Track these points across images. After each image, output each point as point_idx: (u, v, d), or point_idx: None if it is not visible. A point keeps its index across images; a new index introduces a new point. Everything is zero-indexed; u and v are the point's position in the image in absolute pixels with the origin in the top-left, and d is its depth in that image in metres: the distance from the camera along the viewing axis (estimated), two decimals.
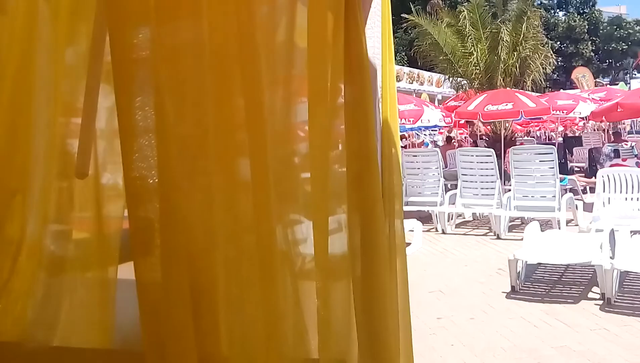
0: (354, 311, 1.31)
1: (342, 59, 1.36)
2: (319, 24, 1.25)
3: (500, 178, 9.51)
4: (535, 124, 22.72)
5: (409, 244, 8.00)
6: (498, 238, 8.66)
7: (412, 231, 8.23)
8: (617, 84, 34.29)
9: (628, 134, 22.65)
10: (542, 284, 6.11)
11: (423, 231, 8.73)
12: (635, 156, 13.46)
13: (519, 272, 5.92)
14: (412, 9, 15.19)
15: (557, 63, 48.25)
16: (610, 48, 61.35)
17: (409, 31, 16.41)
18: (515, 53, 13.83)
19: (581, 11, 63.87)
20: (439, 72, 16.37)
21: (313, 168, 1.25)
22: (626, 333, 4.67)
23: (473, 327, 5.00)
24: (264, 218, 1.09)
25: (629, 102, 11.09)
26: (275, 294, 1.10)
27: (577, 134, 21.05)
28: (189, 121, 1.12)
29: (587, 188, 11.20)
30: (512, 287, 5.82)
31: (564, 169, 12.23)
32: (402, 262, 1.64)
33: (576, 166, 15.59)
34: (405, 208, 9.54)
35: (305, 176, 1.33)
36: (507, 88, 13.48)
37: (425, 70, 28.74)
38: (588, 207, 8.74)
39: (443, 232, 9.28)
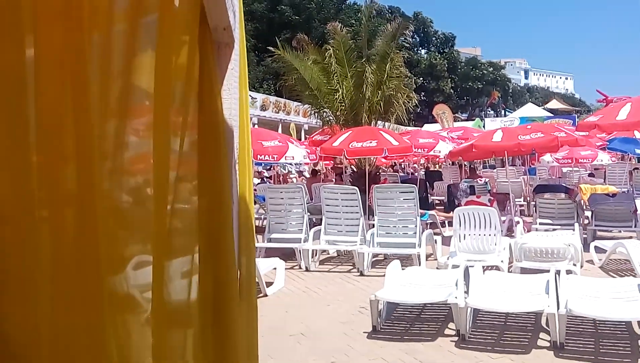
0: None
1: (195, 116, 1.36)
2: (167, 69, 1.21)
3: (365, 214, 9.82)
4: (400, 157, 23.85)
5: (271, 283, 7.97)
6: (361, 274, 8.77)
7: (275, 269, 8.23)
8: (474, 120, 36.91)
9: (483, 169, 24.52)
10: (402, 322, 6.32)
11: (286, 268, 8.74)
12: (489, 191, 14.53)
13: (380, 311, 6.10)
14: (278, 43, 15.28)
15: (421, 98, 51.18)
16: (467, 86, 66.42)
17: (277, 62, 16.54)
18: (379, 91, 14.34)
19: (441, 50, 68.59)
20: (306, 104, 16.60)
21: (155, 204, 1.20)
22: None
23: None
24: (95, 258, 0.99)
25: (482, 144, 12.05)
26: (109, 346, 1.01)
27: (437, 168, 22.41)
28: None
29: (446, 221, 11.91)
30: (374, 327, 5.96)
31: (425, 203, 12.91)
32: (249, 308, 1.63)
33: (437, 200, 16.54)
34: (268, 245, 9.57)
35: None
36: (372, 124, 14.08)
37: (292, 100, 28.88)
38: (447, 241, 9.30)
39: (307, 269, 9.20)
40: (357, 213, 9.53)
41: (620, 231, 11.23)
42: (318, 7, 49.20)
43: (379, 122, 14.84)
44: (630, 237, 10.42)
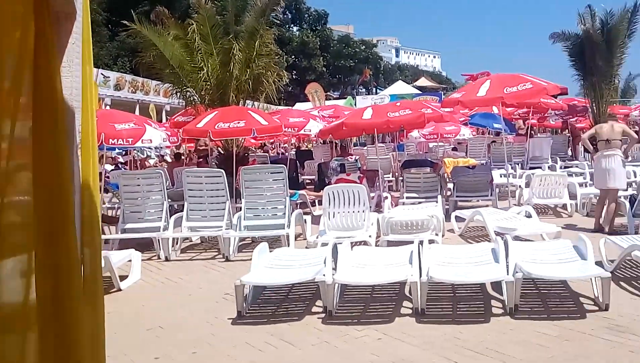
0: None
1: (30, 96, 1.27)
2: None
3: (232, 197, 9.69)
4: (270, 137, 23.89)
5: (126, 277, 7.59)
6: (227, 260, 8.59)
7: (130, 261, 7.84)
8: (346, 98, 37.66)
9: (354, 147, 25.17)
10: (269, 304, 6.33)
11: (143, 260, 8.30)
12: (359, 169, 14.98)
13: (246, 296, 6.05)
14: (134, 16, 14.40)
15: (292, 76, 51.35)
16: (340, 64, 67.56)
17: (133, 37, 15.58)
18: (248, 70, 14.02)
19: (314, 28, 69.08)
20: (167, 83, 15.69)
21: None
22: (344, 343, 5.13)
23: (194, 362, 4.97)
24: None
25: (352, 122, 12.33)
26: None
27: (309, 148, 22.70)
28: None
29: (316, 201, 12.16)
30: (239, 312, 5.89)
31: (295, 183, 13.08)
32: (93, 312, 1.56)
33: (307, 179, 16.80)
34: (123, 236, 9.16)
35: None
36: (240, 104, 13.78)
37: (152, 79, 26.94)
38: (317, 220, 9.43)
39: (167, 259, 8.82)
40: (223, 196, 9.38)
41: (478, 201, 12.05)
42: None
43: (247, 101, 14.47)
44: (487, 205, 11.21)
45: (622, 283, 6.47)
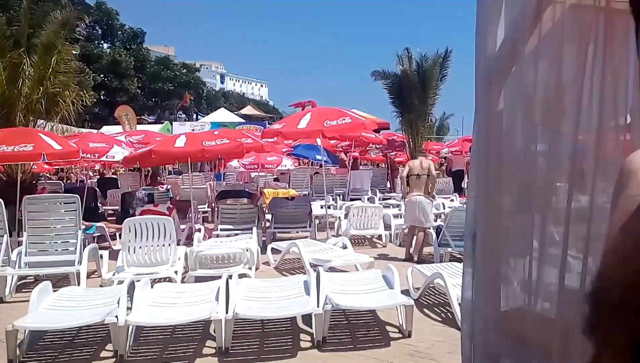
0: None
1: None
2: None
3: (15, 230, 9.14)
4: (66, 163, 22.56)
5: None
6: (2, 301, 7.98)
7: None
8: (162, 123, 36.87)
9: (168, 175, 24.75)
10: (50, 351, 5.93)
11: None
12: (170, 199, 14.69)
13: (22, 341, 5.65)
14: None
15: (101, 97, 49.34)
16: (157, 87, 66.28)
17: None
18: (41, 88, 13.23)
19: (128, 47, 67.21)
20: None
21: None
22: None
23: None
24: None
25: (163, 150, 12.12)
26: None
27: (118, 172, 21.87)
28: None
29: (117, 234, 11.61)
30: (10, 361, 5.42)
31: (94, 214, 12.52)
32: None
33: (110, 210, 16.10)
34: None
35: None
36: (30, 126, 12.90)
37: None
38: (116, 254, 8.98)
39: None
40: (0, 229, 8.76)
41: (297, 232, 12.42)
42: None
43: (39, 122, 13.59)
44: (306, 237, 11.65)
45: (425, 310, 7.09)
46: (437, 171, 21.67)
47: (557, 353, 2.50)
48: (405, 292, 6.87)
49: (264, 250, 10.42)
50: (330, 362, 5.47)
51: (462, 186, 18.92)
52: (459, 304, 5.94)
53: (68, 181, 21.76)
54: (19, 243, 8.99)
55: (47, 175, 19.51)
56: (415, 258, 10.09)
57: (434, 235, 10.12)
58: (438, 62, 22.52)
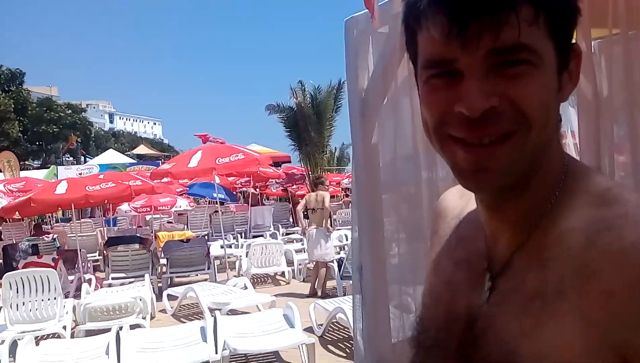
0: None
1: None
2: None
3: None
4: None
5: None
6: None
7: None
8: (49, 168, 35.64)
9: (55, 224, 23.85)
10: None
11: None
12: (57, 249, 14.16)
13: None
14: None
15: None
16: (41, 130, 64.04)
17: None
18: None
19: (7, 88, 64.78)
20: None
21: None
22: None
23: None
24: None
25: (43, 198, 11.74)
26: None
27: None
28: None
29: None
30: None
31: None
32: None
33: None
34: None
35: None
36: None
37: None
38: None
39: None
40: None
41: (197, 274, 12.22)
42: None
43: None
44: (206, 279, 11.45)
45: (329, 346, 7.15)
46: (341, 202, 22.09)
47: None
48: (309, 329, 6.92)
49: (159, 297, 10.22)
50: None
51: None
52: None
53: None
54: None
55: None
56: (319, 293, 10.16)
57: (336, 268, 10.14)
58: (332, 93, 22.94)
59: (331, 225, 11.29)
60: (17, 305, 8.04)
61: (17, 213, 13.46)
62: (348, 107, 3.06)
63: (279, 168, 22.35)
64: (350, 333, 6.78)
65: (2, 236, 17.90)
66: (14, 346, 6.10)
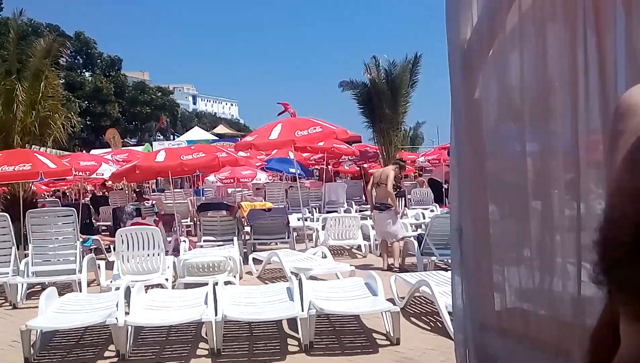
0: None
1: None
2: None
3: (20, 243, 9.19)
4: (63, 183, 22.56)
5: None
6: (14, 307, 8.18)
7: None
8: (143, 145, 36.74)
9: (152, 193, 24.65)
10: (59, 351, 6.04)
11: None
12: (156, 213, 14.71)
13: (34, 342, 5.75)
14: None
15: (87, 122, 48.94)
16: (136, 111, 65.80)
17: None
18: (34, 112, 13.42)
19: (107, 73, 66.71)
20: None
21: None
22: None
23: None
24: None
25: (145, 165, 12.15)
26: None
27: (105, 193, 21.78)
28: None
29: (112, 246, 11.67)
30: (26, 359, 5.58)
31: (89, 228, 12.50)
32: None
33: (103, 225, 16.08)
34: None
35: None
36: (26, 148, 13.06)
37: None
38: (111, 265, 9.13)
39: None
40: (8, 241, 8.85)
41: (276, 243, 12.23)
42: None
43: (34, 146, 13.76)
44: (285, 248, 11.25)
45: (412, 318, 6.72)
46: (415, 181, 20.76)
47: (554, 349, 2.32)
48: (390, 300, 6.53)
49: (245, 260, 10.26)
50: None
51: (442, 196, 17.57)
52: (449, 312, 5.71)
53: (64, 200, 21.61)
54: (25, 256, 9.14)
55: (44, 195, 19.45)
56: (396, 267, 9.69)
57: (416, 244, 9.49)
58: (407, 68, 21.01)
59: (405, 205, 10.67)
60: (128, 257, 8.45)
61: (123, 179, 14.07)
62: (448, 62, 2.69)
63: (351, 146, 20.60)
64: (433, 307, 6.46)
65: (109, 202, 18.74)
66: (127, 292, 6.40)
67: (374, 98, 20.83)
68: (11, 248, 8.82)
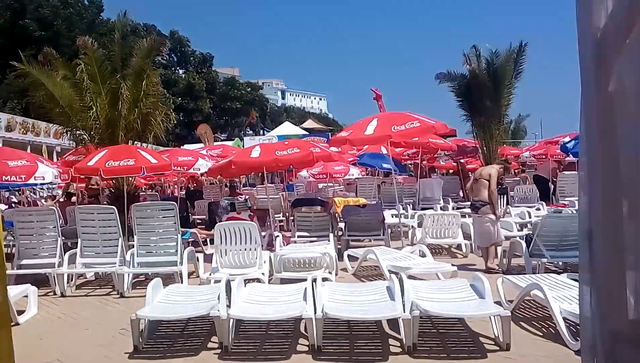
0: None
1: None
2: None
3: (125, 235, 9.66)
4: (159, 178, 23.58)
5: (22, 311, 7.57)
6: (122, 296, 8.68)
7: (26, 296, 7.80)
8: (234, 140, 37.71)
9: (243, 187, 25.23)
10: (165, 340, 6.31)
11: (39, 295, 8.31)
12: (249, 208, 15.05)
13: (142, 330, 6.05)
14: (22, 56, 14.39)
15: (180, 118, 50.90)
16: (226, 106, 67.79)
17: (22, 78, 15.38)
18: (136, 109, 14.17)
19: (200, 70, 69.09)
20: (57, 124, 15.72)
21: None
22: None
23: None
24: None
25: (241, 160, 12.45)
26: None
27: (199, 188, 22.53)
28: None
29: (208, 239, 12.10)
30: (135, 347, 5.90)
31: (186, 222, 12.95)
32: (6, 334, 1.59)
33: (198, 219, 16.68)
34: (19, 272, 9.04)
35: None
36: (129, 143, 13.80)
37: (42, 120, 27.97)
38: (209, 258, 9.50)
39: (62, 295, 8.88)
40: (115, 233, 9.37)
41: (370, 240, 12.11)
42: (67, 23, 46.39)
43: (136, 143, 14.57)
44: (380, 245, 11.15)
45: (522, 323, 6.47)
46: (518, 178, 19.99)
47: None
48: (497, 303, 6.28)
49: (340, 257, 10.18)
50: None
51: (549, 193, 17.08)
52: (564, 318, 5.56)
53: (162, 194, 22.62)
54: (129, 247, 9.66)
55: (143, 189, 20.45)
56: (496, 268, 9.39)
57: (524, 245, 9.00)
58: (511, 58, 19.86)
59: (508, 203, 10.27)
60: (226, 251, 8.66)
61: (219, 174, 14.51)
62: (578, 51, 2.53)
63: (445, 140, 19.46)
64: (545, 312, 6.27)
65: (203, 196, 19.41)
66: (227, 285, 6.57)
67: (474, 90, 19.95)
68: (118, 239, 9.35)
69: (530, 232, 9.78)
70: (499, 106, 19.95)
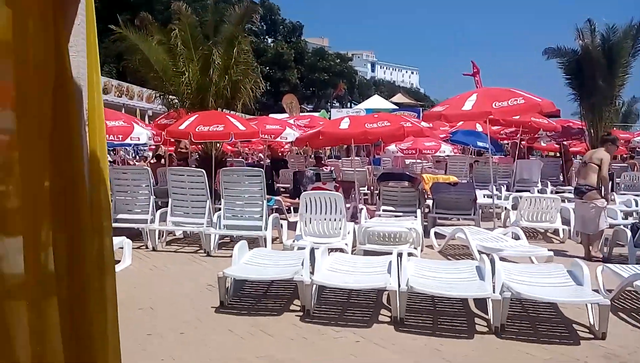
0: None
1: (48, 77, 1.37)
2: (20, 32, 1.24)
3: (211, 198, 10.05)
4: (246, 145, 24.13)
5: (118, 261, 8.21)
6: (208, 255, 9.25)
7: (122, 248, 8.45)
8: (320, 111, 37.86)
9: (328, 159, 25.45)
10: (249, 298, 6.66)
11: (133, 248, 8.92)
12: (334, 179, 15.21)
13: (228, 288, 6.42)
14: (120, 21, 14.93)
15: (266, 88, 51.59)
16: (314, 77, 68.01)
17: (118, 43, 16.03)
18: (226, 76, 14.49)
19: (289, 40, 69.45)
20: (150, 88, 16.36)
21: (21, 183, 1.29)
22: (322, 341, 5.36)
23: (183, 342, 5.31)
24: None
25: (330, 131, 12.48)
26: None
27: (283, 157, 22.93)
28: None
29: (292, 208, 12.37)
30: (221, 302, 6.31)
31: (270, 190, 13.23)
32: (111, 280, 1.70)
33: (282, 187, 17.04)
34: (115, 225, 9.51)
35: None
36: (219, 110, 14.17)
37: (136, 84, 29.27)
38: (292, 226, 9.79)
39: (154, 249, 9.67)
40: (203, 195, 9.84)
41: (459, 219, 11.94)
42: None
43: (224, 110, 14.87)
44: (469, 225, 10.89)
45: (620, 313, 6.29)
46: (626, 164, 19.04)
47: None
48: (595, 292, 5.97)
49: (426, 234, 10.17)
50: (511, 349, 5.20)
51: None
52: None
53: (247, 161, 23.19)
54: (215, 209, 10.09)
55: (229, 155, 21.06)
56: (597, 256, 9.06)
57: (629, 233, 8.61)
58: (630, 34, 18.41)
59: (613, 189, 9.65)
60: (310, 219, 8.83)
61: (306, 144, 14.67)
62: None
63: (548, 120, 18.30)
64: None
65: (288, 165, 19.79)
66: (311, 253, 6.71)
67: (585, 68, 18.89)
68: (206, 201, 9.81)
69: (637, 221, 9.40)
70: (612, 86, 18.73)
